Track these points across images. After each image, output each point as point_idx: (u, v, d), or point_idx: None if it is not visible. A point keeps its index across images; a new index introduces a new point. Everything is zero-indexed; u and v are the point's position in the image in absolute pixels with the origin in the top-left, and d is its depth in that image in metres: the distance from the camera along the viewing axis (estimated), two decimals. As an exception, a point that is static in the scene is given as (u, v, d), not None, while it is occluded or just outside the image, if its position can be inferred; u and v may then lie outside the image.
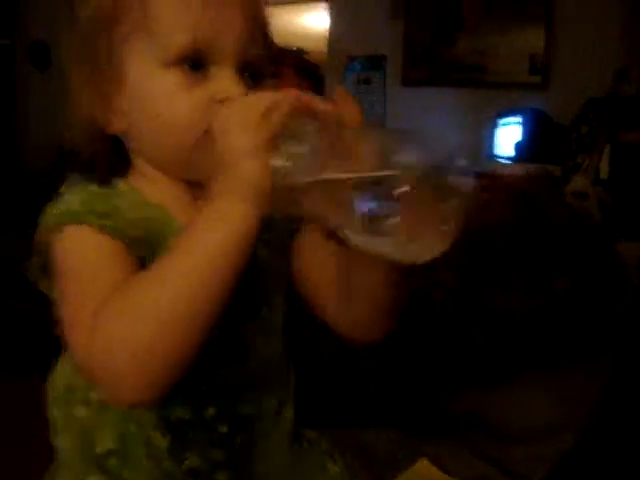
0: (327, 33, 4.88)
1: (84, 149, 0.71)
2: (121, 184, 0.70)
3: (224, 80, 0.65)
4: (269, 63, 0.73)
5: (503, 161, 3.64)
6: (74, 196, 0.65)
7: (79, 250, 0.62)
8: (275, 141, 0.55)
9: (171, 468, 0.67)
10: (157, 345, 0.52)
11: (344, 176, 0.53)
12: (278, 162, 0.55)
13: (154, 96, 0.66)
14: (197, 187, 0.68)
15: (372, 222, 0.51)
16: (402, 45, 4.46)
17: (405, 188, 0.50)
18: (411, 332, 1.01)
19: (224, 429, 0.69)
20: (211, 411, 0.68)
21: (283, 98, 0.57)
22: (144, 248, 0.63)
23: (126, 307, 0.54)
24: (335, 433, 0.85)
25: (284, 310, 0.78)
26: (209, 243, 0.54)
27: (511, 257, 0.99)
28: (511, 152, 3.59)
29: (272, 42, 0.75)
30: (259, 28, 0.70)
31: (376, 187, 0.51)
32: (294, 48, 7.54)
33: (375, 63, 4.53)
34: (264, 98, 0.57)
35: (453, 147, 0.53)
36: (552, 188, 1.18)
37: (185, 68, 0.64)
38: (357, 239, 0.53)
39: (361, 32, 4.56)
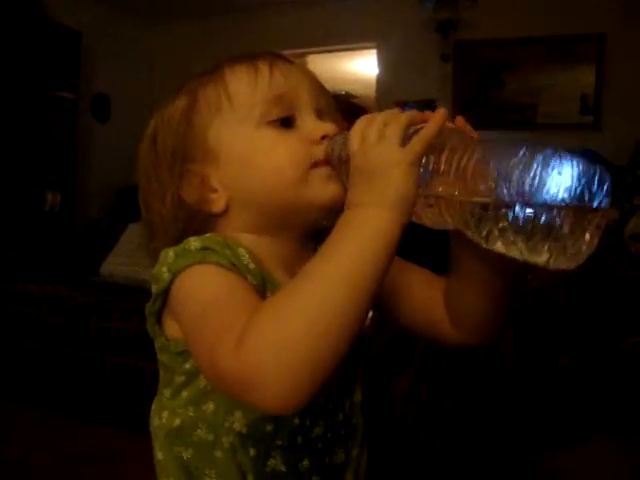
0: (376, 78, 4.95)
1: (171, 231, 0.74)
2: (227, 238, 0.71)
3: (311, 122, 0.72)
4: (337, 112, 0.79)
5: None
6: (195, 242, 0.65)
7: (210, 283, 0.62)
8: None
9: None
10: (305, 349, 0.51)
11: (486, 200, 0.54)
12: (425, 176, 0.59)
13: (255, 152, 0.71)
14: (290, 242, 0.74)
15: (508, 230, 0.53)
16: (451, 89, 4.50)
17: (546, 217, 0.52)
18: (481, 391, 1.03)
19: (316, 479, 0.72)
20: (305, 463, 0.71)
21: (429, 115, 0.61)
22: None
23: (276, 313, 0.54)
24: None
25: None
26: (357, 249, 0.56)
27: (577, 314, 0.99)
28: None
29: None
30: (321, 84, 0.77)
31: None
32: (343, 92, 7.67)
33: (425, 107, 4.55)
34: (408, 114, 0.61)
35: (595, 176, 0.53)
36: (617, 242, 1.17)
37: (274, 123, 0.71)
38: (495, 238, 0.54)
39: (410, 77, 4.61)
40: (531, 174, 0.52)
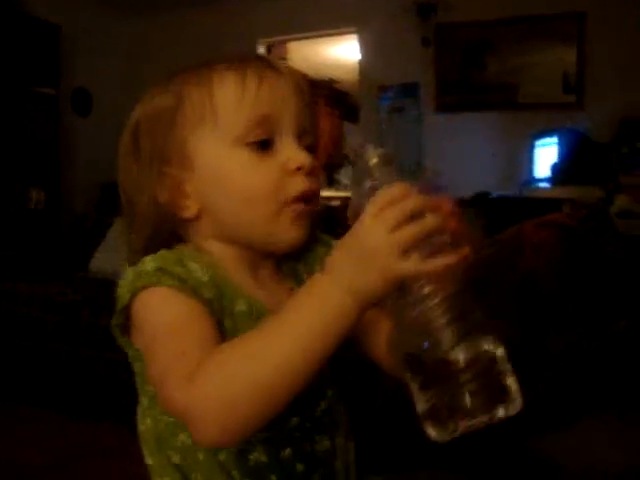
0: (358, 63, 4.94)
1: (150, 241, 0.75)
2: (185, 248, 0.74)
3: (289, 149, 0.72)
4: (316, 142, 0.78)
5: (542, 185, 3.61)
6: (151, 262, 0.68)
7: (163, 308, 0.66)
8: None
9: None
10: (247, 407, 0.57)
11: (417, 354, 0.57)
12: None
13: (228, 174, 0.72)
14: (256, 253, 0.75)
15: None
16: (433, 72, 4.50)
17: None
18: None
19: (301, 468, 0.72)
20: (287, 452, 0.72)
21: (431, 205, 0.58)
22: (215, 309, 0.67)
23: (229, 368, 0.58)
24: (399, 478, 0.87)
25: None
26: (312, 324, 0.58)
27: (567, 298, 1.00)
28: (548, 174, 3.57)
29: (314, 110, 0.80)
30: (309, 104, 0.76)
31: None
32: (326, 78, 7.65)
33: (408, 91, 4.57)
34: (413, 200, 0.57)
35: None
36: (603, 222, 1.18)
37: (253, 145, 0.71)
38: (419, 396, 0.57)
39: (392, 61, 4.61)
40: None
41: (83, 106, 5.18)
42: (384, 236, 0.55)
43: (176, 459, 0.72)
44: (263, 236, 0.73)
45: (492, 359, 0.56)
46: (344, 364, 0.82)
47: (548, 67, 4.27)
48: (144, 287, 0.66)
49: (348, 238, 0.59)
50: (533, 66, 4.29)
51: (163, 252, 0.70)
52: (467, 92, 4.45)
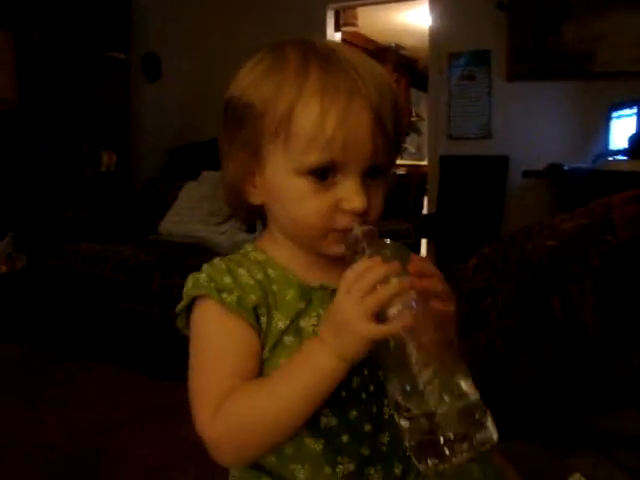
0: (428, 30, 4.85)
1: (230, 205, 0.85)
2: (249, 248, 0.83)
3: (349, 188, 0.73)
4: (397, 152, 0.80)
5: (619, 157, 3.49)
6: (205, 271, 0.77)
7: (208, 327, 0.76)
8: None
9: (329, 473, 0.75)
10: (254, 446, 0.73)
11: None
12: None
13: (285, 197, 0.76)
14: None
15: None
16: (506, 39, 4.37)
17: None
18: (562, 351, 1.02)
19: (368, 428, 0.76)
20: (354, 413, 0.75)
21: (394, 270, 0.67)
22: (263, 308, 0.75)
23: (237, 420, 0.71)
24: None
25: None
26: (299, 382, 0.69)
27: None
28: (626, 146, 3.44)
29: (403, 132, 0.81)
30: (389, 138, 0.74)
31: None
32: (392, 45, 7.54)
33: (479, 58, 4.46)
34: (376, 270, 0.66)
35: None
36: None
37: (314, 178, 0.73)
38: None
39: (463, 28, 4.49)
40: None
41: (152, 71, 5.25)
42: (353, 306, 0.66)
43: None
44: (311, 247, 0.79)
45: (469, 405, 0.63)
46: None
47: (629, 34, 4.09)
48: (198, 297, 0.76)
49: (331, 308, 0.69)
50: (613, 33, 4.11)
51: (217, 260, 0.79)
52: (541, 60, 4.31)
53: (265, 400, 0.70)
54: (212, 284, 0.75)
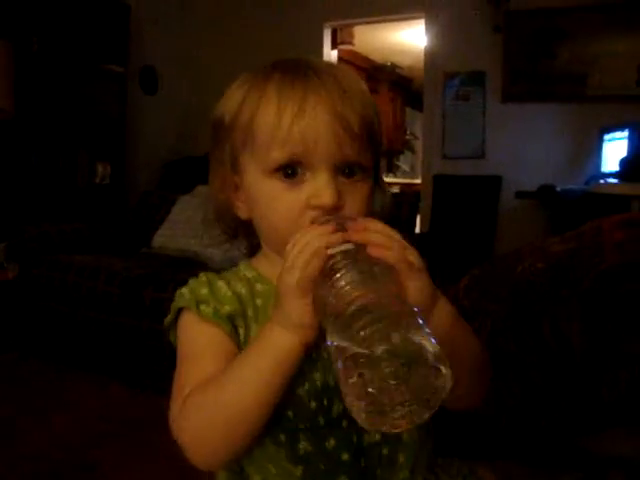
0: (424, 49, 4.89)
1: (218, 220, 0.86)
2: (242, 265, 0.85)
3: (317, 184, 0.73)
4: (372, 155, 0.78)
5: (610, 180, 3.53)
6: (186, 287, 0.79)
7: (188, 334, 0.78)
8: (323, 277, 0.64)
9: None
10: (219, 436, 0.70)
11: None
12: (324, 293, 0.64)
13: (260, 200, 0.77)
14: None
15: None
16: (501, 60, 4.42)
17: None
18: (549, 374, 1.03)
19: (346, 457, 0.76)
20: (331, 442, 0.75)
21: (334, 238, 0.66)
22: (240, 320, 0.77)
23: (201, 404, 0.70)
24: (469, 464, 0.87)
25: None
26: (256, 365, 0.68)
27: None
28: (617, 169, 3.48)
29: (376, 135, 0.78)
30: (353, 133, 0.73)
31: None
32: (388, 64, 7.61)
33: (474, 79, 4.51)
34: (319, 237, 0.66)
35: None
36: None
37: (281, 176, 0.74)
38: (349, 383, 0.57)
39: (459, 48, 4.55)
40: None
41: (150, 84, 5.27)
42: (287, 274, 0.66)
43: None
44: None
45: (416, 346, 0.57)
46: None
47: (622, 58, 4.14)
48: (181, 308, 0.78)
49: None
50: (605, 57, 4.17)
51: (202, 274, 0.81)
52: (534, 82, 4.36)
53: (223, 389, 0.69)
54: (192, 296, 0.77)
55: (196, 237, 3.37)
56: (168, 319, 0.80)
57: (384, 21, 5.36)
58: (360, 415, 0.57)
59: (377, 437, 0.77)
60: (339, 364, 0.57)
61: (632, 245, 1.05)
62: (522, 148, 4.30)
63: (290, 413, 0.74)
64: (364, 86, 0.79)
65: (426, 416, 0.57)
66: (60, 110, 4.22)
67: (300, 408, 0.74)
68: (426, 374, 0.56)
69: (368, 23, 5.46)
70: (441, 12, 4.58)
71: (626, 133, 3.64)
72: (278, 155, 0.73)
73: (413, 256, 0.68)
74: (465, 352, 0.74)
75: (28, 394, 2.81)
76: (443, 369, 0.56)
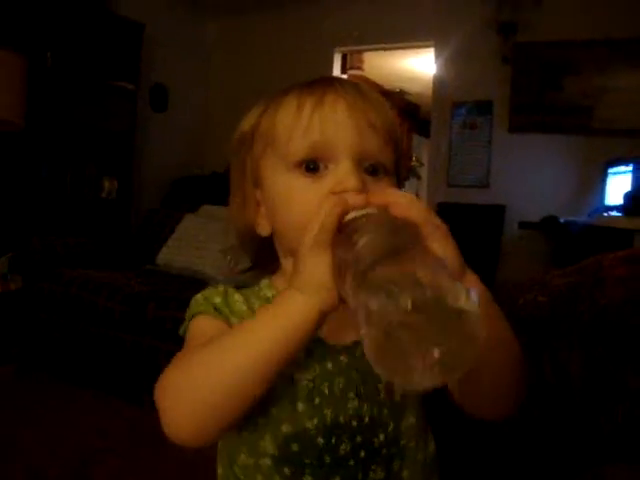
0: (433, 77, 4.94)
1: (240, 242, 0.84)
2: (264, 283, 0.82)
3: (340, 173, 0.71)
4: (394, 157, 0.77)
5: (614, 213, 3.54)
6: (200, 294, 0.78)
7: (196, 326, 0.75)
8: (344, 240, 0.60)
9: None
10: (203, 405, 0.63)
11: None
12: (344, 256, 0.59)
13: (281, 198, 0.75)
14: None
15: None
16: (509, 91, 4.46)
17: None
18: (547, 406, 1.04)
19: None
20: (337, 479, 0.73)
21: (354, 202, 0.63)
22: None
23: (186, 368, 0.66)
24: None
25: None
26: (270, 325, 0.62)
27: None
28: (621, 202, 3.49)
29: (397, 137, 0.78)
30: (375, 128, 0.73)
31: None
32: (397, 89, 7.66)
33: (482, 108, 4.54)
34: (338, 199, 0.63)
35: None
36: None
37: (303, 171, 0.72)
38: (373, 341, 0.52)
39: (467, 77, 4.59)
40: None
41: (160, 102, 5.32)
42: (305, 236, 0.62)
43: (239, 474, 0.77)
44: None
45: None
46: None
47: (628, 92, 4.18)
48: (194, 314, 0.76)
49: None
50: (612, 91, 4.20)
51: (220, 285, 0.80)
52: (542, 113, 4.39)
53: (224, 348, 0.64)
54: (207, 302, 0.76)
55: (200, 256, 3.39)
56: (183, 327, 0.78)
57: (394, 48, 5.41)
58: (371, 349, 0.51)
59: (382, 476, 0.75)
60: (363, 328, 0.52)
61: (635, 282, 1.06)
62: (527, 178, 4.33)
63: (296, 447, 0.73)
64: (384, 99, 0.79)
65: (456, 374, 0.52)
66: (70, 124, 4.26)
67: (307, 443, 0.73)
68: (456, 317, 0.51)
69: (378, 50, 5.52)
70: (450, 41, 4.63)
71: (631, 167, 3.66)
72: (299, 145, 0.72)
73: (438, 220, 0.63)
74: (495, 338, 0.64)
75: (26, 407, 2.80)
76: (473, 313, 0.51)
